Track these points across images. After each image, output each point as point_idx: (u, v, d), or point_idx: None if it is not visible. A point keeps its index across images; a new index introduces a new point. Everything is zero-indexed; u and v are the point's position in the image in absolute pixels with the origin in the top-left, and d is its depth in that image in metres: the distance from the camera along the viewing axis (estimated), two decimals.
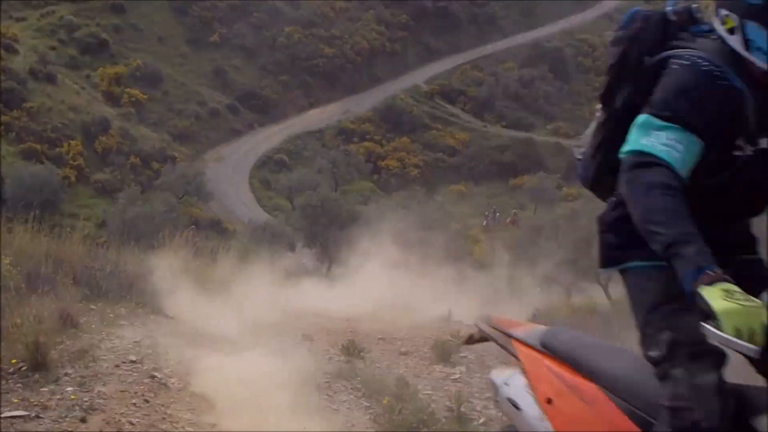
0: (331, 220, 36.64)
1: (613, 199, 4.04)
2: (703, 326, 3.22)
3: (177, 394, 8.98)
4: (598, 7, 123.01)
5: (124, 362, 9.66)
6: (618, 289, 19.35)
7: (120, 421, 8.12)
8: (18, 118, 63.56)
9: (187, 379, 9.44)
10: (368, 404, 9.48)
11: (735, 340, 3.13)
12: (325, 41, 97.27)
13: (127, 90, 77.74)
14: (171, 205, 44.47)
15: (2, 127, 62.29)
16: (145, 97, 78.24)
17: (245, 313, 14.59)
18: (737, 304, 3.16)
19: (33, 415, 7.89)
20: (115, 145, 66.82)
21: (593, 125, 4.32)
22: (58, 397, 8.32)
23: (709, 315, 3.20)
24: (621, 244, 3.95)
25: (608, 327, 13.70)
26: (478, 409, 9.90)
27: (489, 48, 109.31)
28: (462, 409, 9.28)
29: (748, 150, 3.77)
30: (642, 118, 3.73)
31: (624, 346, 11.89)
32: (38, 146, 61.76)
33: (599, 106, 4.29)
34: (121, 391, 8.75)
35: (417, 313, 18.39)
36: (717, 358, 3.48)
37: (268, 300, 17.62)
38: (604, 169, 4.18)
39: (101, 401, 8.41)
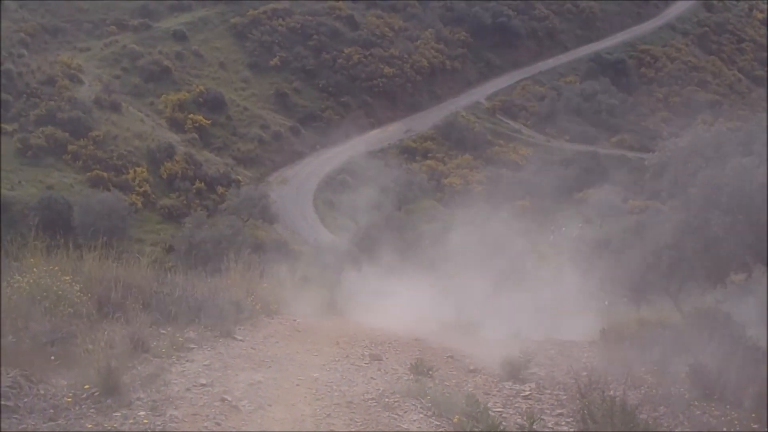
0: (396, 239, 36.57)
1: None
2: None
3: (248, 416, 9.01)
4: (659, 18, 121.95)
5: (194, 385, 9.74)
6: (689, 301, 19.04)
7: None
8: (84, 147, 64.65)
9: (257, 401, 9.47)
10: (438, 423, 9.43)
11: None
12: (384, 61, 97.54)
13: (191, 116, 78.50)
14: (236, 229, 44.66)
15: (69, 156, 63.49)
16: (209, 122, 78.96)
17: (312, 334, 14.63)
18: None
19: None
20: (180, 170, 67.54)
21: None
22: (131, 421, 8.41)
23: None
24: None
25: (680, 341, 13.42)
26: (550, 425, 9.79)
27: (550, 62, 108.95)
28: (534, 426, 9.19)
29: None
30: None
31: (696, 359, 11.65)
32: (105, 174, 62.67)
33: None
34: (193, 415, 8.81)
35: (485, 330, 18.27)
36: None
37: (334, 321, 17.66)
38: None
39: (173, 425, 8.49)
